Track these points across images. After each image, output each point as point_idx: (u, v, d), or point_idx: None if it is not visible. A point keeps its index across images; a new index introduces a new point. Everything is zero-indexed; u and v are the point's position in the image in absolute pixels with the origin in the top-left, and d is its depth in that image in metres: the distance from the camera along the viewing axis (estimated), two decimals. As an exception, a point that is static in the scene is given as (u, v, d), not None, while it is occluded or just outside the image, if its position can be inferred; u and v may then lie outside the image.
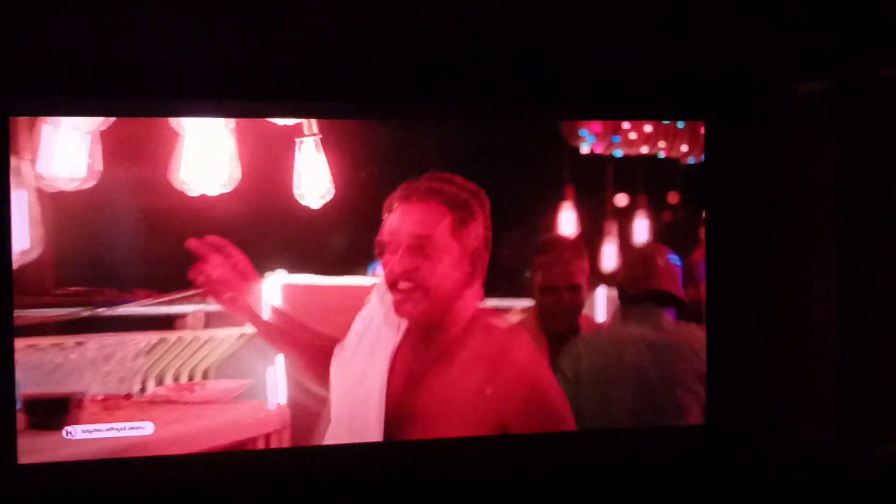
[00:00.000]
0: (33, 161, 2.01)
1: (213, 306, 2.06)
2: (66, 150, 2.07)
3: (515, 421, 2.10)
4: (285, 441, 2.04)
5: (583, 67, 2.57)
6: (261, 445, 2.13)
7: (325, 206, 2.04)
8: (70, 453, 2.03)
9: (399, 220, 1.99)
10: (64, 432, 2.02)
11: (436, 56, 2.45)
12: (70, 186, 1.97)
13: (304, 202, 2.02)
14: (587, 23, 2.22)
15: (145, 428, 2.06)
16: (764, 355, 2.68)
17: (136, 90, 2.44)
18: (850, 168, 2.42)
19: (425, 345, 2.01)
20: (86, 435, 2.08)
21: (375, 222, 2.07)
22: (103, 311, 2.00)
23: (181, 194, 1.99)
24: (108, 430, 2.06)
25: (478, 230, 2.02)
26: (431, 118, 2.51)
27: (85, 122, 2.15)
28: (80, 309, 1.98)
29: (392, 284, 1.97)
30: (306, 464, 2.19)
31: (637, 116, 2.70)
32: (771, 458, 2.66)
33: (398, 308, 1.98)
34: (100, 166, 2.00)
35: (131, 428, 2.07)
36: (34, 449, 2.03)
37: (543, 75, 2.62)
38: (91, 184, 1.98)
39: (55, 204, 1.95)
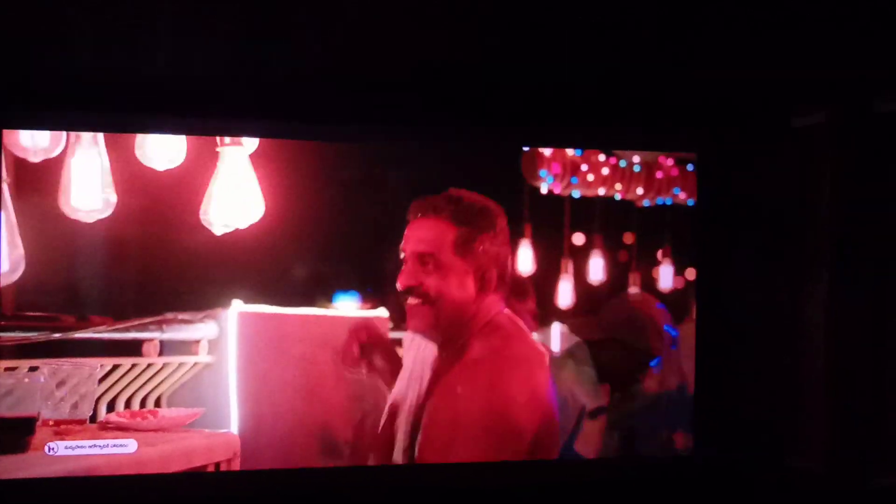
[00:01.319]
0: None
1: (168, 335, 2.08)
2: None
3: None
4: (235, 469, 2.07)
5: (577, 98, 2.59)
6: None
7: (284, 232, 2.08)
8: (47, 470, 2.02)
9: (408, 235, 2.08)
10: (46, 448, 2.01)
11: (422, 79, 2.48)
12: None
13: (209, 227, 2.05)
14: (580, 54, 2.31)
15: (128, 446, 2.05)
16: (752, 387, 2.67)
17: (129, 105, 2.48)
18: (843, 202, 2.44)
19: (446, 357, 2.08)
20: (69, 451, 2.07)
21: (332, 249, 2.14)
22: (59, 337, 2.03)
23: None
24: (90, 447, 2.06)
25: (485, 245, 2.08)
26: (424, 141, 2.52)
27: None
28: (35, 334, 2.00)
29: (403, 300, 2.07)
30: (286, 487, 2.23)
31: (629, 147, 2.72)
32: (760, 491, 2.63)
33: (408, 323, 2.08)
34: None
35: (114, 445, 2.06)
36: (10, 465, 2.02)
37: (535, 105, 2.65)
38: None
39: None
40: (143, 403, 2.07)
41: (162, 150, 2.12)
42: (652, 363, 2.53)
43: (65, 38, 2.21)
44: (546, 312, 2.35)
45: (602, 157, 2.57)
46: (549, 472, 2.57)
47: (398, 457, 2.12)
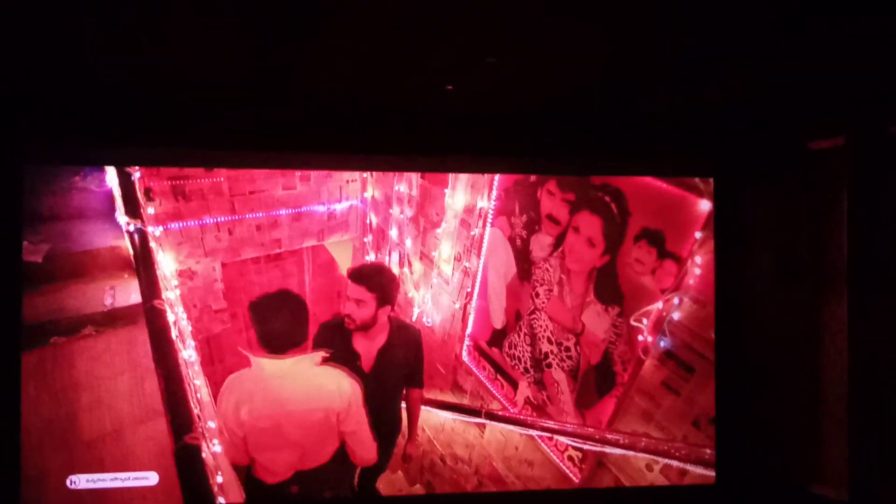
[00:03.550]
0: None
1: None
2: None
3: None
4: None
5: (597, 125, 2.77)
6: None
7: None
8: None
9: None
10: (68, 482, 2.06)
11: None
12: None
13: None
14: (600, 80, 2.34)
15: (150, 479, 2.10)
16: (774, 414, 2.68)
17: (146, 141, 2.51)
18: (860, 223, 2.45)
19: None
20: (90, 485, 2.08)
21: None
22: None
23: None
24: (111, 479, 2.09)
25: None
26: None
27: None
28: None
29: None
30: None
31: (649, 172, 2.80)
32: None
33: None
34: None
35: (135, 478, 2.10)
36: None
37: (558, 133, 2.81)
38: None
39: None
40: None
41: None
42: None
43: (83, 73, 2.25)
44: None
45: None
46: (570, 500, 2.78)
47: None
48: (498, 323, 3.20)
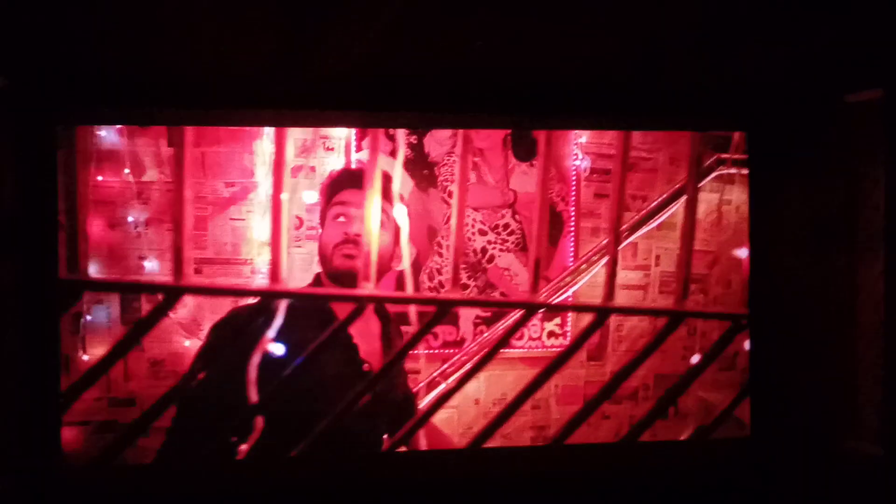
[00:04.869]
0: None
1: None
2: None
3: None
4: None
5: (629, 78, 2.67)
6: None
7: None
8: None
9: None
10: None
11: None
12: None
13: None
14: (634, 35, 2.32)
15: None
16: (809, 368, 2.67)
17: (176, 100, 2.58)
18: None
19: None
20: None
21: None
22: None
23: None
24: None
25: None
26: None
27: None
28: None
29: None
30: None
31: (681, 126, 2.75)
32: (816, 471, 2.63)
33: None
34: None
35: None
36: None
37: (592, 89, 2.74)
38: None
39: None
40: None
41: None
42: None
43: (110, 36, 2.25)
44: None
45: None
46: (612, 455, 2.68)
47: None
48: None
